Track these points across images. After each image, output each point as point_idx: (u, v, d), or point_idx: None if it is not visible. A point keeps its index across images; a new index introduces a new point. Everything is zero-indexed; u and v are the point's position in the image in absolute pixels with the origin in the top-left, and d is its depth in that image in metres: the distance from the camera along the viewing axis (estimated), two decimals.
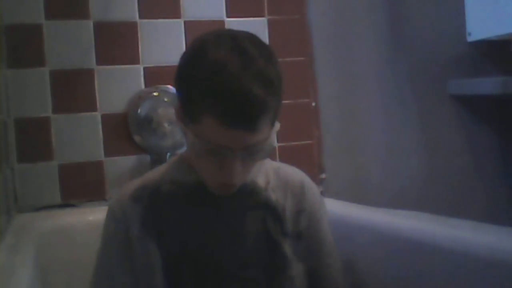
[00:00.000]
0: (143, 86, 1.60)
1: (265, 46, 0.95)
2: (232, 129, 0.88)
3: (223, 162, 0.93)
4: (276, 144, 0.96)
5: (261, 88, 0.87)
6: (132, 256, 1.02)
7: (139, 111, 1.58)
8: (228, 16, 1.67)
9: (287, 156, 1.67)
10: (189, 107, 0.93)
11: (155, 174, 1.10)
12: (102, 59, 1.57)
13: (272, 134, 0.95)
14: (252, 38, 0.94)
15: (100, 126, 1.56)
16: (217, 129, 0.89)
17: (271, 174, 1.12)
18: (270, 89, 0.89)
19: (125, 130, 1.58)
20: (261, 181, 1.09)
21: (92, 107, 1.56)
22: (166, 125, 1.59)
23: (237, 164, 0.93)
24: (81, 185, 1.54)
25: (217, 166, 0.94)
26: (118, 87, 1.58)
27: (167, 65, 1.61)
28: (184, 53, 0.97)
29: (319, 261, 1.11)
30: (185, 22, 1.64)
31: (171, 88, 1.60)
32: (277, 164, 1.17)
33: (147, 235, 1.02)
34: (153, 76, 1.60)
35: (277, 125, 0.97)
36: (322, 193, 1.54)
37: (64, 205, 1.53)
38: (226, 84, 0.87)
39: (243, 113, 0.88)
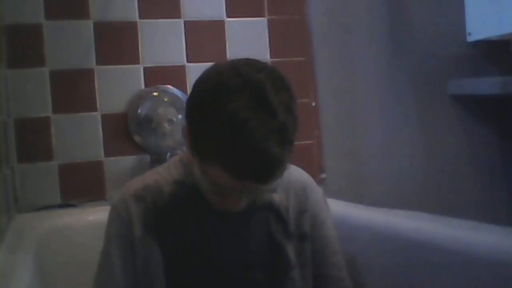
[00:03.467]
0: (143, 86, 1.60)
1: (286, 86, 0.89)
2: (245, 181, 0.87)
3: (229, 196, 0.93)
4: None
5: (279, 146, 0.84)
6: (134, 256, 1.02)
7: (139, 111, 1.58)
8: (228, 16, 1.67)
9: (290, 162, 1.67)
10: (199, 146, 0.91)
11: (157, 174, 1.09)
12: (102, 59, 1.57)
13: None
14: (273, 79, 0.88)
15: (100, 126, 1.56)
16: (226, 177, 0.87)
17: None
18: (287, 145, 0.86)
19: (125, 130, 1.58)
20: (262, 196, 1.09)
21: (92, 107, 1.56)
22: (166, 125, 1.59)
23: (243, 200, 0.94)
24: (81, 185, 1.54)
25: (222, 196, 0.94)
26: (118, 87, 1.58)
27: (167, 65, 1.61)
28: (201, 88, 0.91)
29: (324, 261, 1.11)
30: (185, 22, 1.64)
31: (171, 88, 1.60)
32: None
33: (149, 235, 1.02)
34: (153, 76, 1.60)
35: None
36: None
37: (64, 205, 1.53)
38: (242, 141, 0.83)
39: (257, 171, 0.85)
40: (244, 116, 0.82)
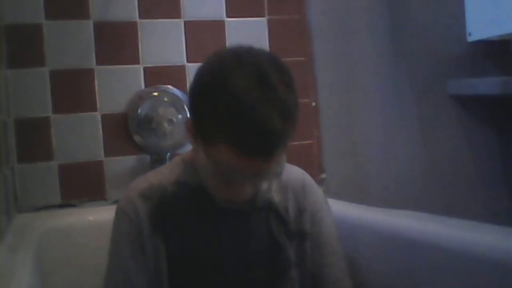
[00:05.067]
0: (143, 86, 1.60)
1: (286, 69, 0.91)
2: (248, 158, 0.87)
3: (234, 183, 0.93)
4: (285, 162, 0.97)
5: (280, 119, 0.85)
6: (144, 254, 1.02)
7: (139, 111, 1.58)
8: (228, 16, 1.67)
9: (287, 156, 1.66)
10: (203, 129, 0.92)
11: (160, 174, 1.09)
12: (102, 59, 1.57)
13: (284, 158, 0.95)
14: (273, 61, 0.90)
15: (100, 126, 1.56)
16: (232, 157, 0.87)
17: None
18: (288, 119, 0.87)
19: (125, 130, 1.58)
20: (264, 183, 1.09)
21: (92, 107, 1.56)
22: (166, 125, 1.59)
23: (247, 187, 0.94)
24: (81, 185, 1.54)
25: (227, 185, 0.94)
26: (118, 87, 1.58)
27: (167, 65, 1.61)
28: (202, 72, 0.93)
29: (321, 260, 1.11)
30: (185, 22, 1.64)
31: (171, 88, 1.60)
32: None
33: (155, 235, 1.02)
34: (153, 76, 1.60)
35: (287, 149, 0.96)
36: None
37: (64, 205, 1.53)
38: (245, 114, 0.84)
39: (261, 144, 0.86)
40: (244, 90, 0.85)
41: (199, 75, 0.93)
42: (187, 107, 0.99)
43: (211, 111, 0.88)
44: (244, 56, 0.90)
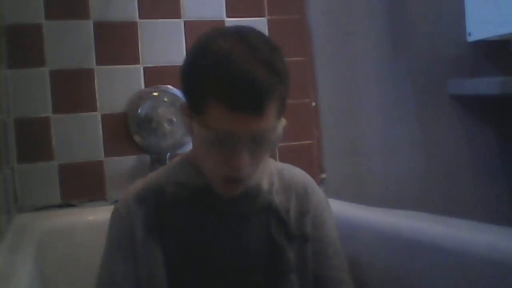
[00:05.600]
0: (143, 86, 1.60)
1: (271, 40, 0.96)
2: (238, 113, 0.88)
3: (230, 152, 0.92)
4: (281, 136, 0.98)
5: (266, 72, 0.88)
6: (136, 259, 1.02)
7: (139, 111, 1.58)
8: (228, 16, 1.67)
9: (287, 156, 1.67)
10: (195, 98, 0.93)
11: (159, 175, 1.09)
12: (102, 59, 1.57)
13: (278, 126, 0.95)
14: (257, 31, 0.95)
15: (100, 126, 1.56)
16: (224, 115, 0.89)
17: (275, 176, 1.11)
18: (275, 75, 0.90)
19: (125, 130, 1.58)
20: (265, 183, 1.09)
21: (92, 107, 1.56)
22: (166, 125, 1.59)
23: (244, 154, 0.91)
24: (81, 185, 1.54)
25: (224, 157, 0.92)
26: (118, 87, 1.58)
27: (167, 65, 1.61)
28: (189, 50, 0.98)
29: (324, 262, 1.10)
30: (185, 22, 1.64)
31: (171, 88, 1.60)
32: (280, 165, 1.16)
33: (150, 237, 1.02)
34: (153, 76, 1.60)
35: (284, 121, 0.96)
36: None
37: (64, 205, 1.53)
38: (231, 69, 0.88)
39: (249, 95, 0.88)
40: (228, 49, 0.89)
41: (187, 53, 0.98)
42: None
43: (200, 75, 0.92)
44: (227, 28, 1.00)
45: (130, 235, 1.02)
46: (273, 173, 1.11)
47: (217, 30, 0.96)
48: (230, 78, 0.88)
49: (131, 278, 1.01)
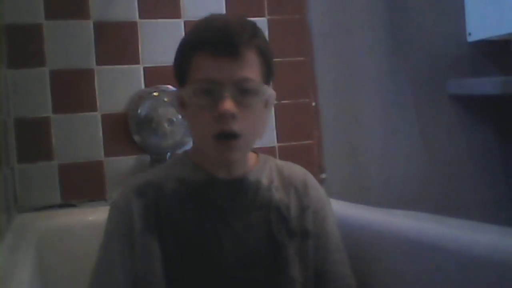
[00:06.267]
0: (143, 86, 1.60)
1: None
2: (217, 57, 0.97)
3: (217, 101, 0.96)
4: (275, 98, 1.08)
5: (242, 23, 1.01)
6: (134, 252, 1.02)
7: (139, 111, 1.58)
8: None
9: (287, 156, 1.66)
10: (181, 65, 1.03)
11: (160, 170, 1.10)
12: (102, 59, 1.57)
13: (266, 88, 1.02)
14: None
15: (100, 126, 1.56)
16: (205, 63, 0.97)
17: (275, 172, 1.12)
18: (250, 27, 1.01)
19: (125, 130, 1.58)
20: (264, 180, 1.09)
21: (92, 107, 1.56)
22: (166, 125, 1.59)
23: (229, 100, 0.96)
24: (81, 185, 1.54)
25: (213, 114, 0.97)
26: (118, 87, 1.58)
27: (167, 65, 1.58)
28: None
29: (327, 258, 1.11)
30: (185, 22, 1.64)
31: (171, 88, 1.60)
32: (280, 162, 1.17)
33: (148, 231, 1.02)
34: (153, 76, 1.60)
35: (272, 91, 1.04)
36: None
37: (64, 205, 1.53)
38: (209, 23, 1.01)
39: (225, 39, 0.97)
40: (211, 16, 1.04)
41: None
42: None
43: (183, 42, 1.05)
44: None
45: (128, 227, 1.02)
46: (273, 170, 1.12)
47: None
48: (208, 29, 0.99)
49: (128, 269, 1.01)
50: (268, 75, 1.03)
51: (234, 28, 0.98)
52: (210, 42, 0.97)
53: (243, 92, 0.98)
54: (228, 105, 0.95)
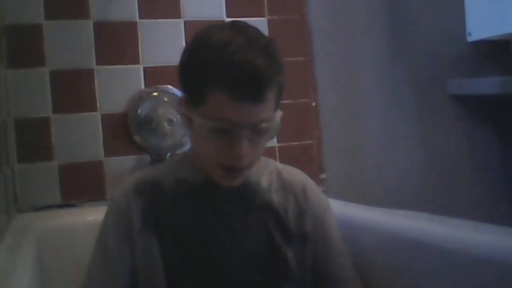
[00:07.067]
0: (143, 86, 1.60)
1: (263, 34, 0.99)
2: (239, 101, 0.89)
3: (231, 141, 0.92)
4: (279, 126, 1.00)
5: (265, 61, 0.90)
6: (133, 249, 1.01)
7: (139, 111, 1.58)
8: (228, 16, 1.67)
9: (287, 156, 1.67)
10: (195, 89, 0.94)
11: (158, 170, 1.10)
12: (102, 59, 1.57)
13: (277, 117, 0.96)
14: (251, 25, 0.99)
15: (100, 126, 1.56)
16: (225, 104, 0.90)
17: (275, 175, 1.12)
18: (274, 63, 0.92)
19: (125, 130, 1.58)
20: (264, 182, 1.09)
21: (92, 107, 1.56)
22: (166, 125, 1.59)
23: (244, 143, 0.92)
24: (81, 185, 1.54)
25: (224, 147, 0.93)
26: (118, 87, 1.58)
27: (167, 65, 1.61)
28: (186, 46, 1.00)
29: (329, 262, 1.10)
30: (185, 22, 1.64)
31: (171, 88, 1.60)
32: (280, 165, 1.16)
33: (148, 229, 1.02)
34: (153, 76, 1.60)
35: (280, 113, 0.97)
36: None
37: (64, 205, 1.53)
38: (231, 57, 0.89)
39: (250, 83, 0.89)
40: (227, 39, 0.91)
41: (185, 47, 1.00)
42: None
43: (200, 66, 0.93)
44: (222, 23, 1.02)
45: (127, 223, 1.02)
46: (273, 173, 1.12)
47: (214, 24, 0.98)
48: (230, 67, 0.89)
49: (125, 263, 1.01)
50: (280, 99, 0.98)
51: (259, 68, 0.89)
52: (233, 84, 0.89)
53: (258, 131, 0.94)
54: (243, 151, 0.92)
